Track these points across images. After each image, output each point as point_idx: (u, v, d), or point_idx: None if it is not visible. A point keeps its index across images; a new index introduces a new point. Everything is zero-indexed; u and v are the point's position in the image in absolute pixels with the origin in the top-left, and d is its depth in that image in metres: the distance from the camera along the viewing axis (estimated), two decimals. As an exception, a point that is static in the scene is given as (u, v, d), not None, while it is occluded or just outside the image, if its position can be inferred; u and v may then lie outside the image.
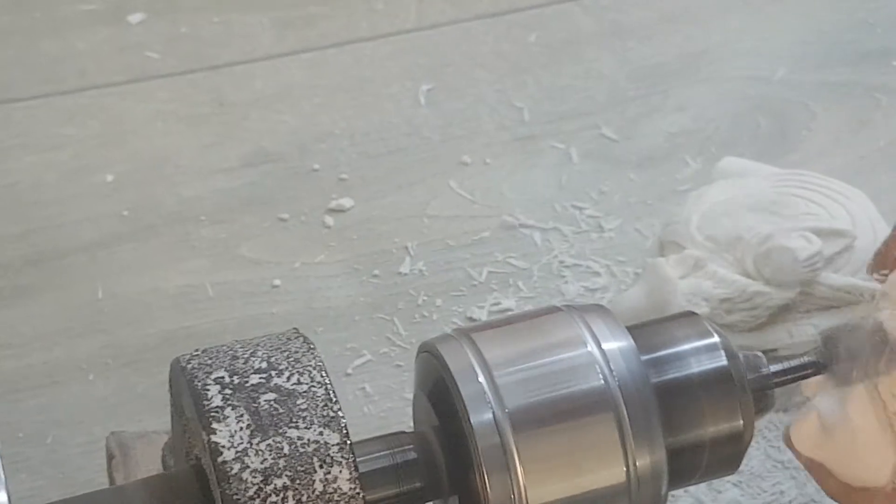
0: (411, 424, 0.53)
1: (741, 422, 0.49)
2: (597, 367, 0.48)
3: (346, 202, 0.82)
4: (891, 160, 0.83)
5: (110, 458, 0.60)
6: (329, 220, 0.82)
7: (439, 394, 0.49)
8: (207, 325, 0.76)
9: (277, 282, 0.78)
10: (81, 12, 0.95)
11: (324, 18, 0.94)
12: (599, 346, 0.48)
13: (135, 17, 0.95)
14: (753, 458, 0.67)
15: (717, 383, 0.49)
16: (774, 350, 0.71)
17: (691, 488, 0.65)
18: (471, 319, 0.75)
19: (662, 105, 0.87)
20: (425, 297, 0.77)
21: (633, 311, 0.71)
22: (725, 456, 0.50)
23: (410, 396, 0.71)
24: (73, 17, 0.95)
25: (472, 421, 0.47)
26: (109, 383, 0.73)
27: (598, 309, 0.50)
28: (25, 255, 0.80)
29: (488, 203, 0.82)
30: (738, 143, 0.85)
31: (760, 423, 0.68)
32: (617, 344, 0.49)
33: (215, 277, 0.79)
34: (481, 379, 0.48)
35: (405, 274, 0.78)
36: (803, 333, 0.70)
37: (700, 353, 0.50)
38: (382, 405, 0.71)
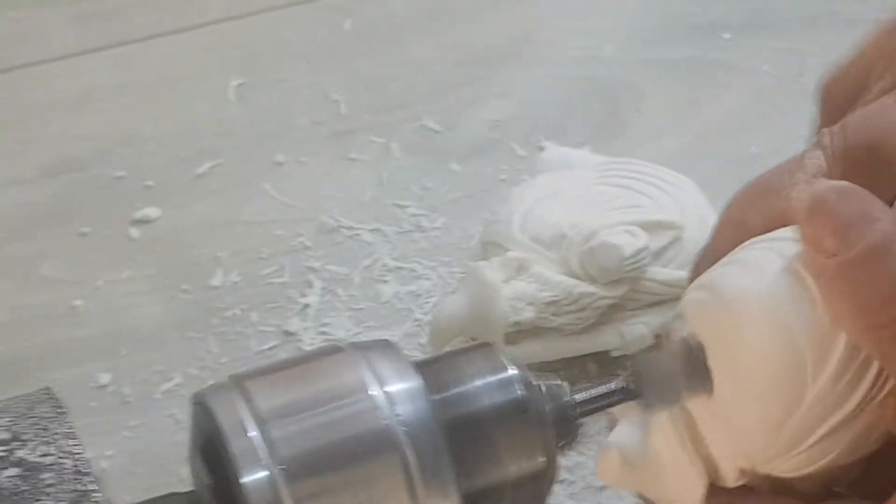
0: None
1: (543, 458, 0.46)
2: (380, 411, 0.44)
3: (153, 212, 0.77)
4: (724, 140, 0.80)
5: None
6: (134, 232, 0.76)
7: (211, 450, 0.44)
8: (2, 354, 0.70)
9: (78, 303, 0.73)
10: None
11: (127, 11, 0.88)
12: (383, 388, 0.44)
13: (-83, 16, 0.88)
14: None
15: (514, 418, 0.45)
16: (607, 352, 0.68)
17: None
18: (288, 333, 0.71)
19: (487, 91, 0.83)
20: (239, 311, 0.72)
21: (455, 320, 0.67)
22: (529, 496, 0.46)
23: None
24: None
25: (243, 480, 0.43)
26: None
27: (384, 346, 0.46)
28: None
29: (305, 205, 0.77)
30: (567, 128, 0.81)
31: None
32: (403, 385, 0.44)
33: (14, 301, 0.73)
34: (253, 433, 0.43)
35: (217, 287, 0.73)
36: (635, 332, 0.67)
37: (493, 388, 0.46)
38: (195, 432, 0.67)
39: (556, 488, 0.63)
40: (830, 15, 0.87)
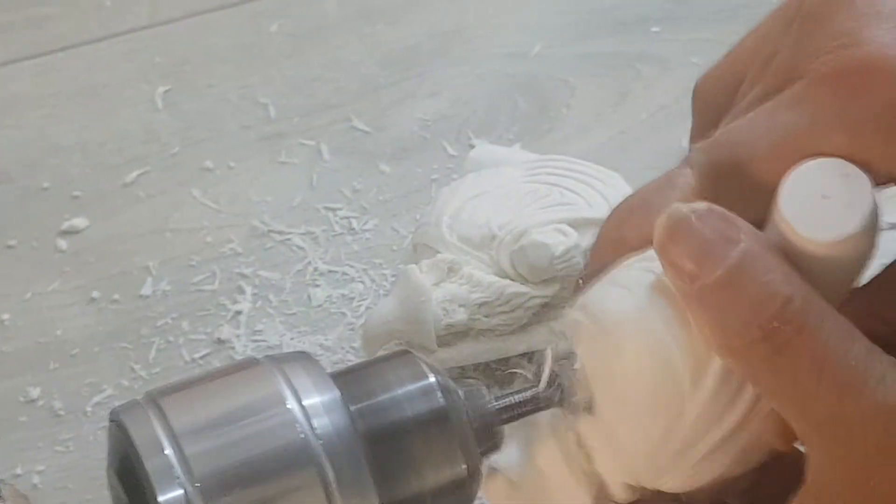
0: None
1: (464, 466, 0.45)
2: (297, 425, 0.43)
3: (80, 222, 0.76)
4: (654, 134, 0.80)
5: None
6: (62, 243, 0.75)
7: (128, 468, 0.44)
8: (-71, 373, 0.70)
9: (6, 316, 0.72)
10: None
11: (49, 20, 0.87)
12: (300, 401, 0.44)
13: None
14: None
15: (434, 426, 0.45)
16: (544, 348, 0.67)
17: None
18: (220, 341, 0.70)
19: (416, 90, 0.82)
20: (170, 321, 0.71)
21: (387, 324, 0.67)
22: None
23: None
24: None
25: (158, 499, 0.42)
26: None
27: (301, 358, 0.45)
28: None
29: (235, 211, 0.77)
30: (497, 125, 0.80)
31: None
32: (320, 397, 0.44)
33: (-60, 318, 0.72)
34: (168, 451, 0.42)
35: (147, 296, 0.73)
36: (568, 331, 0.67)
37: (413, 397, 0.45)
38: (127, 444, 0.66)
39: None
40: (760, 5, 0.86)
